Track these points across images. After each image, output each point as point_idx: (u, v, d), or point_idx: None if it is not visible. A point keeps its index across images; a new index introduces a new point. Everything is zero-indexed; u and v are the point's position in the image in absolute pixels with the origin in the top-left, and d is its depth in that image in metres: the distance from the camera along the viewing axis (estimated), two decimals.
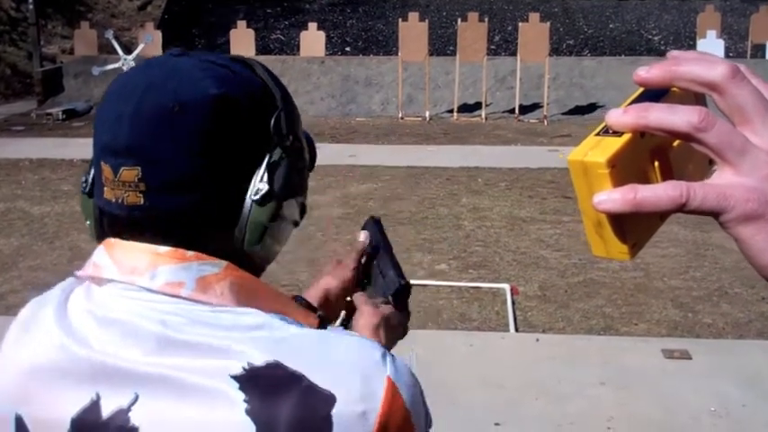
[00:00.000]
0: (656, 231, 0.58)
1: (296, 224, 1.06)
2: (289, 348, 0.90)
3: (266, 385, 0.87)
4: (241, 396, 0.87)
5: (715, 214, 0.52)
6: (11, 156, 11.00)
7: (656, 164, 0.56)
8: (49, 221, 8.01)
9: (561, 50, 17.59)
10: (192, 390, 0.88)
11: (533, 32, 14.10)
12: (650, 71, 0.54)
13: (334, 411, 0.87)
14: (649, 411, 4.28)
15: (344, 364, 0.90)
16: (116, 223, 0.98)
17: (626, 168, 0.54)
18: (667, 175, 0.56)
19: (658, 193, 0.52)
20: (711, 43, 14.82)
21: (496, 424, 4.14)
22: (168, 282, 0.93)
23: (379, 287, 1.41)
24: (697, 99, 0.55)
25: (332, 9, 20.08)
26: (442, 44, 17.41)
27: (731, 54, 16.15)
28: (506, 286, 6.09)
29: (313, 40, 15.74)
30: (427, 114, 14.25)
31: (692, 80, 0.53)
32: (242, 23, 16.03)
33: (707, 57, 0.54)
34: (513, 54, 15.10)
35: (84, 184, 1.04)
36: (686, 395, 4.43)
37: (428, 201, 8.66)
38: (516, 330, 5.39)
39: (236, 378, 0.87)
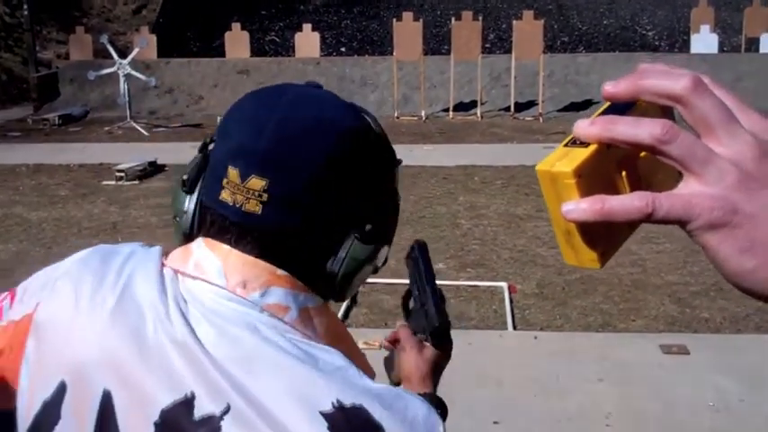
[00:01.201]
0: (626, 240, 0.59)
1: (375, 270, 1.08)
2: (371, 397, 0.91)
3: (352, 425, 0.88)
4: None
5: (681, 223, 0.53)
6: (8, 162, 10.99)
7: (624, 173, 0.57)
8: (47, 227, 8.02)
9: (556, 47, 17.61)
10: (282, 419, 0.88)
11: (527, 30, 14.11)
12: (617, 86, 0.56)
13: None
14: (648, 407, 4.29)
15: (415, 429, 0.92)
16: (222, 225, 0.99)
17: (593, 178, 0.55)
18: (635, 184, 0.57)
19: (625, 203, 0.53)
20: (705, 38, 14.85)
21: (495, 422, 4.16)
22: (277, 303, 0.96)
23: (418, 321, 1.41)
24: (664, 111, 0.56)
25: (326, 10, 20.09)
26: (437, 43, 17.42)
27: (725, 48, 16.17)
28: (504, 284, 6.10)
29: (308, 41, 15.74)
30: (423, 113, 14.26)
31: (656, 93, 0.55)
32: (236, 26, 16.03)
33: (672, 70, 0.55)
34: (508, 52, 15.11)
35: (184, 181, 1.05)
36: (684, 390, 4.45)
37: (425, 200, 8.68)
38: (514, 328, 5.40)
39: (325, 416, 0.88)
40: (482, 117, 14.13)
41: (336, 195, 0.98)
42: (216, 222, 0.99)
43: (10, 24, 19.04)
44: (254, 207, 0.95)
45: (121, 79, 13.65)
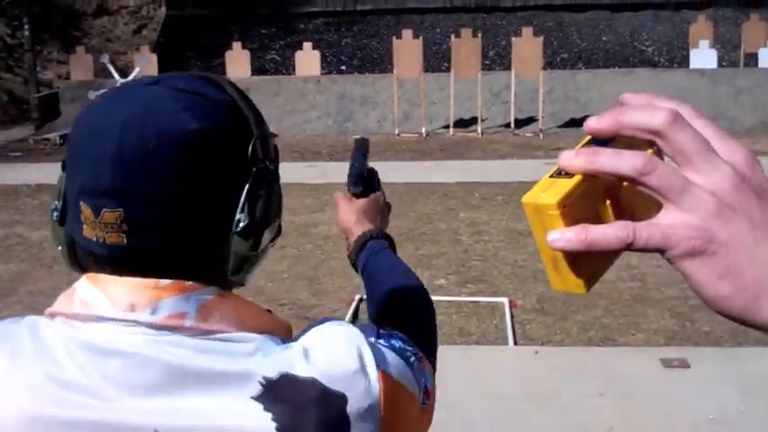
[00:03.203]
0: (611, 265, 0.61)
1: (273, 239, 1.06)
2: (294, 356, 0.96)
3: (286, 394, 0.92)
4: (268, 416, 0.91)
5: (660, 251, 0.56)
6: (9, 182, 11.02)
7: (608, 203, 0.59)
8: (48, 246, 8.02)
9: (555, 64, 17.66)
10: (215, 416, 0.91)
11: (527, 47, 14.17)
12: (599, 122, 0.58)
13: (348, 410, 0.94)
14: (649, 420, 4.30)
15: (345, 366, 0.96)
16: (96, 258, 0.97)
17: (577, 208, 0.57)
18: (619, 213, 0.59)
19: (607, 233, 0.55)
20: (704, 53, 14.90)
21: None
22: (171, 314, 0.94)
23: (348, 181, 1.57)
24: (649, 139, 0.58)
25: (326, 28, 20.16)
26: (437, 61, 17.48)
27: (724, 63, 16.22)
28: (505, 300, 6.11)
29: (308, 59, 15.80)
30: (423, 130, 14.30)
31: (635, 128, 0.57)
32: (237, 45, 16.10)
33: (651, 104, 0.58)
34: (508, 69, 15.15)
35: (54, 213, 1.02)
36: (685, 403, 4.45)
37: (426, 216, 8.69)
38: (515, 343, 5.40)
39: (257, 399, 0.91)
40: (482, 134, 14.16)
41: (199, 197, 0.94)
42: (90, 256, 0.98)
43: (11, 45, 19.12)
44: (117, 239, 0.93)
45: None
